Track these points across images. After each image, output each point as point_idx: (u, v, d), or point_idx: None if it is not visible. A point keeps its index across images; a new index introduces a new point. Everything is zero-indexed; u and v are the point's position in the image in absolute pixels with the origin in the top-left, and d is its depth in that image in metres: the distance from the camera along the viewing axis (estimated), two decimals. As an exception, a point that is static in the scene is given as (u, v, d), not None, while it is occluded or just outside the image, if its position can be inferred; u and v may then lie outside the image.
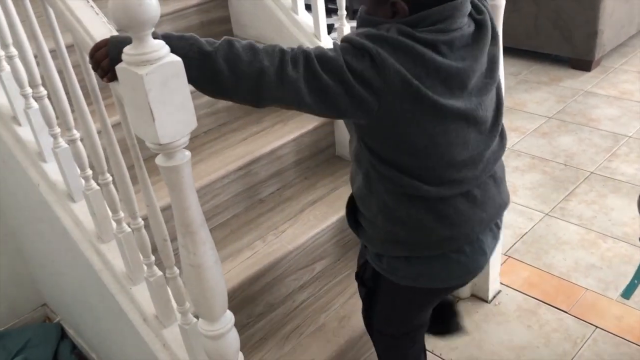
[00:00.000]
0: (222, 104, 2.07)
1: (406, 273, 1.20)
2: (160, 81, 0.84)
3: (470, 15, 1.06)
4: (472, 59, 1.04)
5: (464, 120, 1.05)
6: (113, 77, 0.94)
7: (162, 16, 2.19)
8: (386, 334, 1.42)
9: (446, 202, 1.11)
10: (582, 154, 2.74)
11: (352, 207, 1.28)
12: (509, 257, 2.16)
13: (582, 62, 3.51)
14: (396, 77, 0.96)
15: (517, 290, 2.01)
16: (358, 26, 1.09)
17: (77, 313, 1.85)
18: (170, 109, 0.87)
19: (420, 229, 1.14)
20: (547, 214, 2.37)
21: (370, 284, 1.33)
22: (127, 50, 0.84)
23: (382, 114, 0.99)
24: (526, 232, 2.28)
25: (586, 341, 1.80)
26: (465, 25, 1.04)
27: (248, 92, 0.95)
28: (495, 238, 1.24)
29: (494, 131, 1.13)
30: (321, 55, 0.97)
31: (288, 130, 1.98)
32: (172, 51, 0.88)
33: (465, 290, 1.98)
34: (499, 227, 1.25)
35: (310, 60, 0.95)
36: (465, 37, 1.04)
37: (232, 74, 0.92)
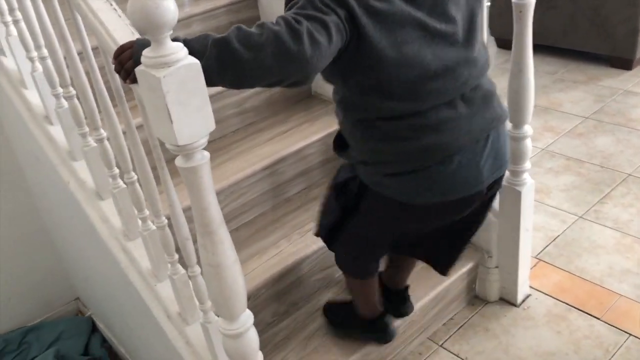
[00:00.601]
0: (250, 103, 2.09)
1: (393, 188, 1.25)
2: (178, 83, 0.85)
3: None
4: None
5: (423, 29, 1.10)
6: (135, 79, 0.96)
7: (192, 17, 2.22)
8: (350, 254, 1.49)
9: (427, 113, 1.16)
10: (620, 155, 2.66)
11: (339, 136, 1.35)
12: (540, 260, 2.12)
13: (622, 61, 3.40)
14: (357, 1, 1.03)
15: (547, 295, 1.96)
16: None
17: (106, 308, 1.89)
18: (188, 110, 0.88)
19: (404, 140, 1.18)
20: (580, 217, 2.31)
21: (353, 198, 1.37)
22: (145, 53, 0.85)
23: (355, 35, 1.05)
24: (558, 235, 2.23)
25: (619, 349, 1.74)
26: None
27: (270, 61, 0.95)
28: (497, 159, 1.25)
29: (469, 45, 1.17)
30: (301, 7, 1.03)
31: (314, 130, 1.99)
32: (191, 47, 0.90)
33: (493, 294, 1.95)
34: (502, 152, 1.27)
35: (301, 13, 1.01)
36: None
37: (249, 49, 0.94)
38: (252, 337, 1.13)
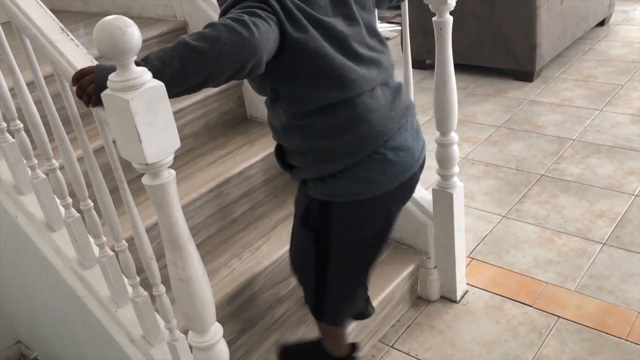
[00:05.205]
0: (188, 129, 2.13)
1: (345, 187, 1.32)
2: (145, 104, 0.90)
3: None
4: None
5: (334, 30, 1.23)
6: (97, 102, 1.00)
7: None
8: (343, 287, 1.49)
9: (354, 102, 1.26)
10: (532, 159, 2.90)
11: (279, 153, 1.42)
12: (473, 258, 2.27)
13: (524, 74, 3.72)
14: (276, 4, 1.14)
15: (483, 289, 2.12)
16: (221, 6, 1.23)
17: (56, 345, 1.84)
18: (155, 130, 0.93)
19: (340, 135, 1.27)
20: (504, 216, 2.50)
21: (318, 222, 1.39)
22: (112, 77, 0.90)
23: (283, 32, 1.15)
24: (486, 235, 2.40)
25: (550, 331, 1.91)
26: None
27: (228, 48, 1.02)
28: (418, 139, 1.39)
29: (375, 47, 1.32)
30: (232, 11, 1.12)
31: (255, 152, 2.05)
32: (150, 60, 0.95)
33: (434, 293, 2.07)
34: (418, 129, 1.41)
35: (238, 11, 1.09)
36: None
37: (206, 42, 1.00)
38: (223, 349, 1.17)
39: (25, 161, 1.41)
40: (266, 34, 1.08)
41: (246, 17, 1.07)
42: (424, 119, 3.20)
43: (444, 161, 1.86)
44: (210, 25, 1.05)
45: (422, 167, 1.43)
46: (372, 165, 1.30)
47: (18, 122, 1.37)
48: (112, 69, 0.91)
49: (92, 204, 1.33)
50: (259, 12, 1.11)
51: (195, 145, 2.15)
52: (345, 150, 1.28)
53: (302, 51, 1.19)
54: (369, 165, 1.30)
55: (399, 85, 1.38)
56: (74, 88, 1.03)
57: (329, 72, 1.22)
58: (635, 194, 2.53)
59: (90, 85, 1.00)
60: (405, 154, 1.34)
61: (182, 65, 0.99)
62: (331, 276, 1.46)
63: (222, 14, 1.16)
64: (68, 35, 1.08)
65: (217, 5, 2.16)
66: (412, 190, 1.45)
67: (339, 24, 1.25)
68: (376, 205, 1.36)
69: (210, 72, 1.03)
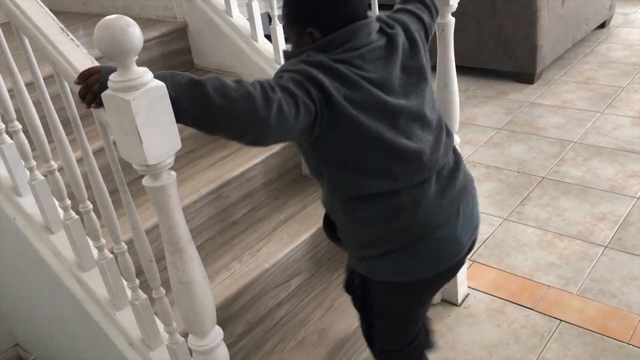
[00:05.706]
0: (188, 131, 2.11)
1: (384, 270, 1.29)
2: (146, 105, 0.89)
3: (381, 30, 1.20)
4: (385, 70, 1.18)
5: (403, 113, 1.18)
6: (100, 104, 0.98)
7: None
8: (390, 351, 1.48)
9: (400, 194, 1.21)
10: (533, 161, 2.89)
11: (329, 221, 1.37)
12: (474, 261, 2.26)
13: (525, 76, 3.71)
14: (334, 89, 1.09)
15: (484, 292, 2.10)
16: (285, 60, 1.20)
17: (55, 348, 1.83)
18: (156, 131, 0.91)
19: (382, 223, 1.23)
20: (505, 219, 2.49)
21: (359, 291, 1.41)
22: (112, 77, 0.89)
23: (331, 115, 1.11)
24: (487, 237, 2.39)
25: (552, 334, 1.89)
26: (375, 41, 1.18)
27: (237, 115, 0.98)
28: (470, 224, 1.30)
29: (438, 126, 1.26)
30: (282, 77, 1.08)
31: (255, 153, 2.04)
32: (162, 77, 0.93)
33: (435, 296, 2.06)
34: (474, 216, 1.33)
35: (280, 84, 1.05)
36: (375, 50, 1.18)
37: (221, 98, 0.96)
38: (223, 352, 1.16)
39: (23, 162, 1.40)
40: (283, 122, 1.02)
41: (277, 95, 1.01)
42: (425, 121, 3.19)
43: (445, 163, 1.84)
44: (239, 82, 1.00)
45: (471, 248, 1.36)
46: (412, 254, 1.26)
47: (17, 123, 1.36)
48: (115, 70, 0.90)
49: (91, 205, 1.32)
50: (300, 94, 1.05)
51: (195, 147, 2.13)
52: (386, 237, 1.24)
53: (355, 135, 1.14)
54: (409, 253, 1.25)
55: (456, 163, 1.30)
56: (77, 87, 1.01)
57: (381, 162, 1.18)
58: (637, 196, 2.52)
59: (96, 85, 0.98)
60: (450, 245, 1.28)
61: (189, 101, 0.95)
62: (377, 332, 1.48)
63: (281, 69, 1.13)
64: (68, 35, 1.06)
65: (217, 6, 2.18)
66: (456, 272, 1.40)
67: (407, 104, 1.19)
68: (414, 288, 1.34)
69: (208, 123, 1.00)
